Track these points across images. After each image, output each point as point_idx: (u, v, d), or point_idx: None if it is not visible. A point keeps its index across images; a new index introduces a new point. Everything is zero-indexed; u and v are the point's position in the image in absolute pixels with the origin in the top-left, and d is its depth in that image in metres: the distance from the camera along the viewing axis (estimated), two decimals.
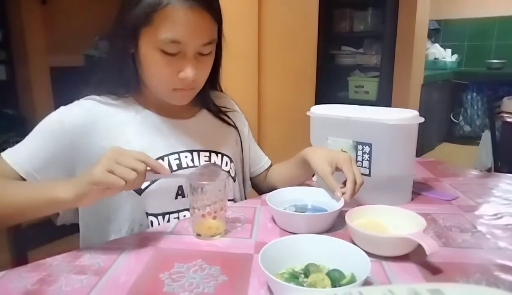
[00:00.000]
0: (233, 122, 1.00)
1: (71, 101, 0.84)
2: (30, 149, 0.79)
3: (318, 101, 1.91)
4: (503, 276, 0.61)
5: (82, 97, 0.85)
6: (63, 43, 4.00)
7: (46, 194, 0.68)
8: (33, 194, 0.69)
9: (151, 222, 0.83)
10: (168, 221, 0.84)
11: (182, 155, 0.87)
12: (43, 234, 0.90)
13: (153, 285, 0.59)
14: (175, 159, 0.85)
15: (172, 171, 0.84)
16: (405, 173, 0.91)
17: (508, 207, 0.88)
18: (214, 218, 0.73)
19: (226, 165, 0.94)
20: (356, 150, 0.90)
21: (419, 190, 0.97)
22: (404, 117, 0.87)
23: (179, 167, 0.85)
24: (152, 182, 0.81)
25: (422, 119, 0.87)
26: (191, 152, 0.88)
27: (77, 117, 0.81)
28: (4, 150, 0.78)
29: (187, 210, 0.85)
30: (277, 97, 1.97)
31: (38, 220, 0.89)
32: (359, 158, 0.90)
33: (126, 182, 0.63)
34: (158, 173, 0.69)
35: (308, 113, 0.98)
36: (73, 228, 0.89)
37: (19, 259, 0.85)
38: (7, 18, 3.94)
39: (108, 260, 0.66)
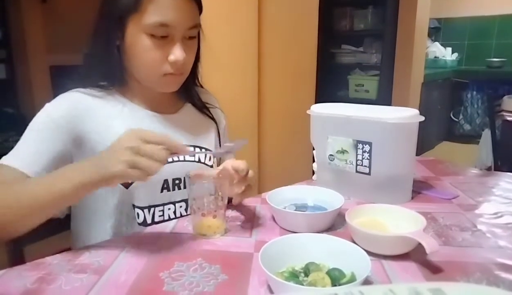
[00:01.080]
0: (214, 118, 1.01)
1: None
2: (33, 150, 0.77)
3: (318, 100, 1.91)
4: (503, 275, 0.61)
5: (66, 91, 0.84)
6: (63, 42, 3.99)
7: (75, 179, 0.65)
8: (59, 183, 0.66)
9: (137, 214, 0.83)
10: (154, 213, 0.84)
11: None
12: (40, 229, 0.90)
13: (153, 283, 0.59)
14: None
15: None
16: (405, 172, 0.91)
17: (508, 205, 0.88)
18: (214, 216, 0.73)
19: (210, 160, 0.94)
20: (356, 148, 0.89)
21: (419, 189, 0.96)
22: (404, 116, 0.86)
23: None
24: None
25: (422, 118, 0.86)
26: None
27: (67, 112, 0.80)
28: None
29: (172, 203, 0.86)
30: (277, 96, 1.97)
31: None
32: (359, 157, 0.89)
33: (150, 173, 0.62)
34: (179, 153, 0.68)
35: (308, 112, 0.98)
36: (69, 223, 0.89)
37: (16, 255, 0.85)
38: (7, 17, 3.94)
39: (108, 259, 0.66)
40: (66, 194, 0.65)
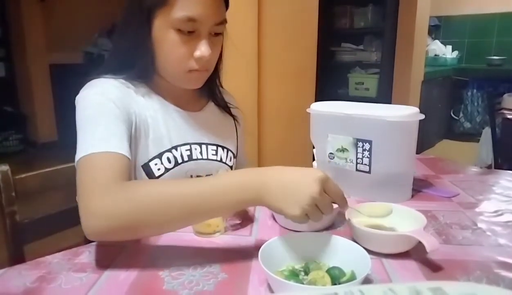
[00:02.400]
0: (236, 118, 1.02)
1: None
2: (115, 133, 0.72)
3: (318, 98, 1.91)
4: (504, 273, 0.61)
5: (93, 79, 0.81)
6: (62, 41, 4.00)
7: (236, 196, 0.62)
8: (219, 196, 0.62)
9: None
10: None
11: (193, 147, 0.87)
12: (40, 227, 0.90)
13: (153, 282, 0.59)
14: (187, 150, 0.86)
15: (183, 161, 0.85)
16: (405, 170, 0.90)
17: (508, 204, 0.88)
18: None
19: (230, 160, 0.95)
20: (356, 147, 0.89)
21: (419, 187, 0.96)
22: (404, 114, 0.86)
23: (190, 157, 0.86)
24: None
25: (422, 116, 0.86)
26: (200, 144, 0.89)
27: (117, 92, 0.78)
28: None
29: None
30: (277, 94, 1.97)
31: (34, 214, 0.90)
32: (359, 155, 0.89)
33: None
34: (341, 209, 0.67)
35: (308, 110, 0.98)
36: (70, 222, 0.89)
37: (16, 254, 0.85)
38: (6, 16, 3.94)
39: (107, 258, 0.66)
40: (225, 209, 0.65)
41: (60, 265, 0.64)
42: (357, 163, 0.90)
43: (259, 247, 0.58)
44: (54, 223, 0.93)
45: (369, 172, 0.89)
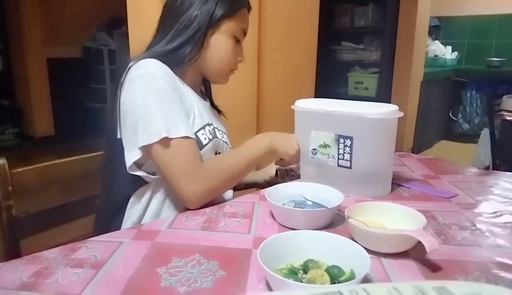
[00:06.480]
0: (222, 113, 1.13)
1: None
2: (183, 117, 0.85)
3: (317, 97, 1.91)
4: (502, 273, 0.61)
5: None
6: (60, 35, 3.99)
7: (264, 147, 0.95)
8: (255, 154, 0.94)
9: None
10: None
11: (213, 126, 0.98)
12: (36, 222, 0.90)
13: (151, 279, 0.58)
14: (212, 129, 0.97)
15: (213, 137, 0.95)
16: (385, 165, 0.92)
17: (507, 205, 0.88)
18: None
19: (229, 144, 1.06)
20: (338, 143, 0.91)
21: (418, 187, 0.96)
22: (383, 111, 0.88)
23: (214, 135, 0.96)
24: None
25: (401, 114, 0.89)
26: (215, 127, 0.99)
27: (172, 76, 0.88)
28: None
29: None
30: (276, 93, 1.96)
31: (30, 209, 0.90)
32: (341, 151, 0.91)
33: None
34: None
35: (292, 107, 1.00)
36: (66, 217, 0.89)
37: (12, 248, 0.85)
38: (4, 9, 3.92)
39: (105, 254, 0.65)
40: (255, 160, 0.94)
41: (57, 260, 0.63)
42: (338, 159, 0.92)
43: (258, 245, 0.58)
44: (50, 217, 0.92)
45: (350, 167, 0.90)
